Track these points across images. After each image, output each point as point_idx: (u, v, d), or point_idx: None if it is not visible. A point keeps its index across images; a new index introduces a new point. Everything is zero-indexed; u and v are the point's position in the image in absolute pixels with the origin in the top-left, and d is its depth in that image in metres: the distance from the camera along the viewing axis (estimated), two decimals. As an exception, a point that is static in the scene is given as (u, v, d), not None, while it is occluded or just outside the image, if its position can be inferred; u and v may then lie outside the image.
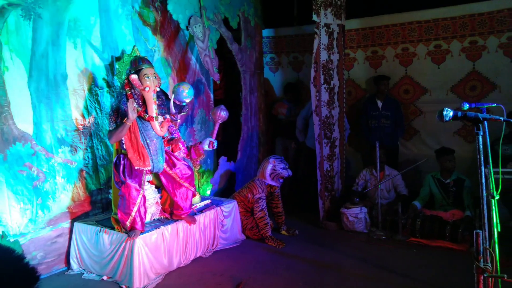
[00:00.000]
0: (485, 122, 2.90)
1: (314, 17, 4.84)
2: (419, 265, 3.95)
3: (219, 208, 4.45)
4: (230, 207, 4.57)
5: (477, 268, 1.95)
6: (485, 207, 2.04)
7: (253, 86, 5.85)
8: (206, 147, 4.30)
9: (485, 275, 1.93)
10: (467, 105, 3.25)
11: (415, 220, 4.60)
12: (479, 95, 5.33)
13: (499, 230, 3.10)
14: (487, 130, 3.25)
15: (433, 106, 5.57)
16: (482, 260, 1.95)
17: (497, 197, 3.12)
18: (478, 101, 5.15)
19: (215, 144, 4.33)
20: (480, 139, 1.99)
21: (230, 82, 6.32)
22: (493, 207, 3.12)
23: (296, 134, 5.92)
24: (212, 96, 5.35)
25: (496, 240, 3.05)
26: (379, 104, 5.68)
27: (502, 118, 2.06)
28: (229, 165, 5.52)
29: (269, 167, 4.66)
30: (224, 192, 5.36)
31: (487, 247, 1.97)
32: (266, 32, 6.44)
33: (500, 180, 3.20)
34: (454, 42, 5.39)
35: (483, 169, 2.01)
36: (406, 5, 5.75)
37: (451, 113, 1.99)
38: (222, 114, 4.30)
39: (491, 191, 3.13)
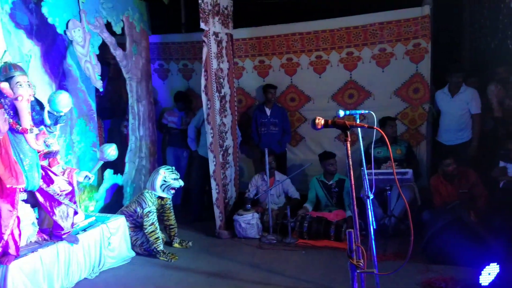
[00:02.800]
0: (359, 128, 3.24)
1: (202, 25, 4.92)
2: (307, 265, 4.23)
3: (105, 225, 4.28)
4: (118, 223, 4.42)
5: (350, 265, 2.16)
6: (354, 208, 2.27)
7: (141, 94, 5.74)
8: (80, 179, 4.14)
9: (357, 271, 2.14)
10: (343, 112, 3.58)
11: (303, 222, 4.91)
12: (356, 103, 5.88)
13: (374, 227, 3.49)
14: (360, 136, 3.64)
15: (316, 114, 5.89)
16: (355, 257, 2.16)
17: (371, 197, 3.50)
18: (355, 108, 5.67)
19: (92, 179, 4.21)
20: (348, 144, 2.22)
21: (116, 90, 6.12)
22: (368, 206, 3.49)
23: (188, 143, 5.94)
24: (93, 105, 5.13)
25: (373, 237, 3.42)
26: (268, 111, 5.96)
27: (366, 126, 2.32)
28: (116, 178, 5.33)
29: (159, 178, 4.61)
30: (111, 207, 5.16)
31: (359, 244, 2.19)
32: (153, 38, 6.36)
33: (373, 181, 3.59)
34: (333, 53, 5.88)
35: (351, 172, 2.24)
36: (289, 17, 6.13)
37: (323, 121, 2.19)
38: (112, 153, 4.20)
39: (366, 191, 3.51)
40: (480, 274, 3.46)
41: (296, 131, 6.24)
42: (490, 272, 3.44)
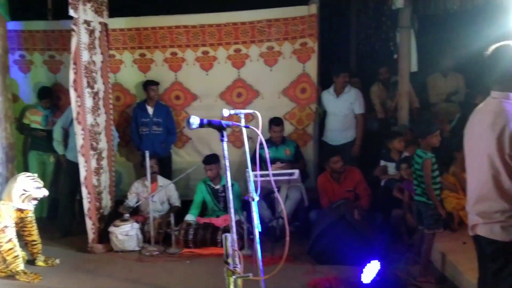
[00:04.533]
0: (243, 128, 3.33)
1: (71, 12, 4.68)
2: (192, 276, 4.25)
3: None
4: (-36, 242, 3.99)
5: (227, 271, 2.20)
6: (232, 210, 2.33)
7: (-4, 89, 5.25)
8: None
9: (234, 276, 2.19)
10: (227, 112, 3.66)
11: (188, 230, 4.90)
12: (244, 102, 6.02)
13: (260, 230, 3.62)
14: (245, 136, 3.75)
15: (203, 113, 5.96)
16: (231, 263, 2.20)
17: (257, 199, 3.63)
18: (244, 108, 5.79)
19: None
20: (224, 144, 2.26)
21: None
22: (254, 209, 3.62)
23: (53, 146, 5.58)
24: None
25: (258, 240, 3.55)
26: (150, 110, 5.85)
27: (242, 125, 2.39)
28: (-36, 189, 4.81)
29: (18, 187, 4.26)
30: (-44, 223, 4.64)
31: (236, 249, 2.24)
32: (12, 25, 5.85)
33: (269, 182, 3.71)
34: (220, 49, 5.96)
35: (228, 174, 2.29)
36: (174, 8, 6.09)
37: (198, 121, 2.21)
38: None
39: (251, 193, 3.63)
40: (362, 272, 3.77)
41: (182, 131, 6.19)
42: (371, 270, 3.77)
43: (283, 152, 5.57)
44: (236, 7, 5.92)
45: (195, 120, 2.22)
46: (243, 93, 6.05)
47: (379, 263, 3.81)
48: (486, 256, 2.54)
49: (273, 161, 5.43)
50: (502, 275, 2.46)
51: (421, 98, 6.55)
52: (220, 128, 2.25)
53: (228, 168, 2.29)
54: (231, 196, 2.32)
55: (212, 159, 5.34)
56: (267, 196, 5.15)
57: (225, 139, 2.28)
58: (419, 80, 6.54)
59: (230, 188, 2.31)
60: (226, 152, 2.28)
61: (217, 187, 5.39)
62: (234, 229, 2.33)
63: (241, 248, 4.82)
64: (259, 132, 2.40)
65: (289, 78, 5.93)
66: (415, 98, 6.34)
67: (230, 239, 2.26)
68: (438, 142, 3.94)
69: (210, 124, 2.24)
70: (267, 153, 2.43)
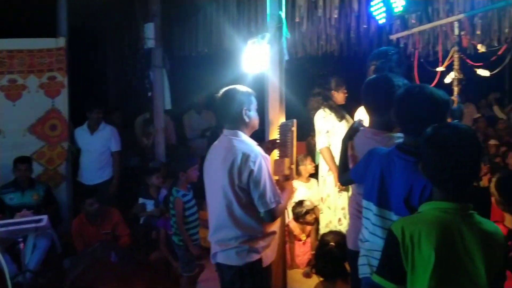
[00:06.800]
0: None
1: None
2: None
3: None
4: None
5: None
6: None
7: None
8: None
9: None
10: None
11: None
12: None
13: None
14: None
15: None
16: None
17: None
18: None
19: None
20: None
21: None
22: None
23: None
24: None
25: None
26: None
27: None
28: None
29: None
30: None
31: None
32: None
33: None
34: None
35: None
36: None
37: None
38: None
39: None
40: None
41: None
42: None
43: (30, 198, 5.04)
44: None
45: None
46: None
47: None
48: (226, 281, 2.77)
49: (18, 209, 4.88)
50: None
51: (179, 134, 6.86)
52: None
53: None
54: None
55: None
56: (11, 248, 4.56)
57: None
58: (176, 117, 6.86)
59: None
60: None
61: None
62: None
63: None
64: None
65: (36, 114, 5.51)
66: (173, 134, 6.61)
67: None
68: (196, 176, 4.01)
69: None
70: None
